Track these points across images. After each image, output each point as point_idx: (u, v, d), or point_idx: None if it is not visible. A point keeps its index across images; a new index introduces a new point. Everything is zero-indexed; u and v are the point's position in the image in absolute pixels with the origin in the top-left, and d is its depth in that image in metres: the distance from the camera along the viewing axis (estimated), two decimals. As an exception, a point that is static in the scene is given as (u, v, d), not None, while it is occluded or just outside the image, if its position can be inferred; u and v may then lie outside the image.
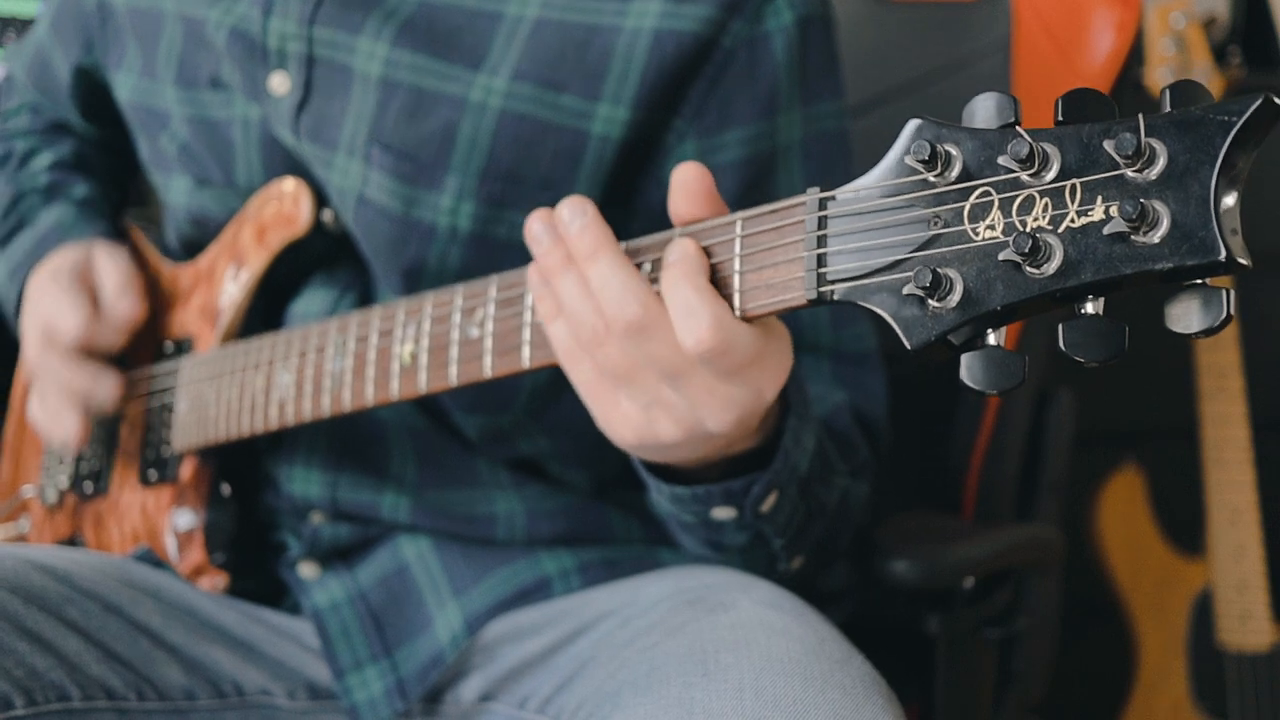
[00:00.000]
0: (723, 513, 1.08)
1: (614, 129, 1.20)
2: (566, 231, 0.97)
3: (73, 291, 1.35)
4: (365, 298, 1.28)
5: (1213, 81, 2.45)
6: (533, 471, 1.31)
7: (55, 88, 1.55)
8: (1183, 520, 2.56)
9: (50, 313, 1.34)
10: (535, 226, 0.98)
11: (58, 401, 1.35)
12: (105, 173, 1.57)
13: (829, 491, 1.17)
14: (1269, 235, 2.54)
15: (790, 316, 1.08)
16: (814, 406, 1.14)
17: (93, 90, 1.52)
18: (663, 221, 1.23)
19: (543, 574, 1.28)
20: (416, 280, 1.23)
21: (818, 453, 1.12)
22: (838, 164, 1.26)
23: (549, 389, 1.27)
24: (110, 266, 1.36)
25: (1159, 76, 2.45)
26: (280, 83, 1.28)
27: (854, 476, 1.23)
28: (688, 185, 0.96)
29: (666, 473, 1.08)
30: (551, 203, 1.20)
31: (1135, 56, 1.74)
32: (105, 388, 1.33)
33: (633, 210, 1.24)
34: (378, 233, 1.23)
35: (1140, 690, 2.56)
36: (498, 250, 1.22)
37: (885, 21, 1.85)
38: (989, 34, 1.75)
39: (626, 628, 1.17)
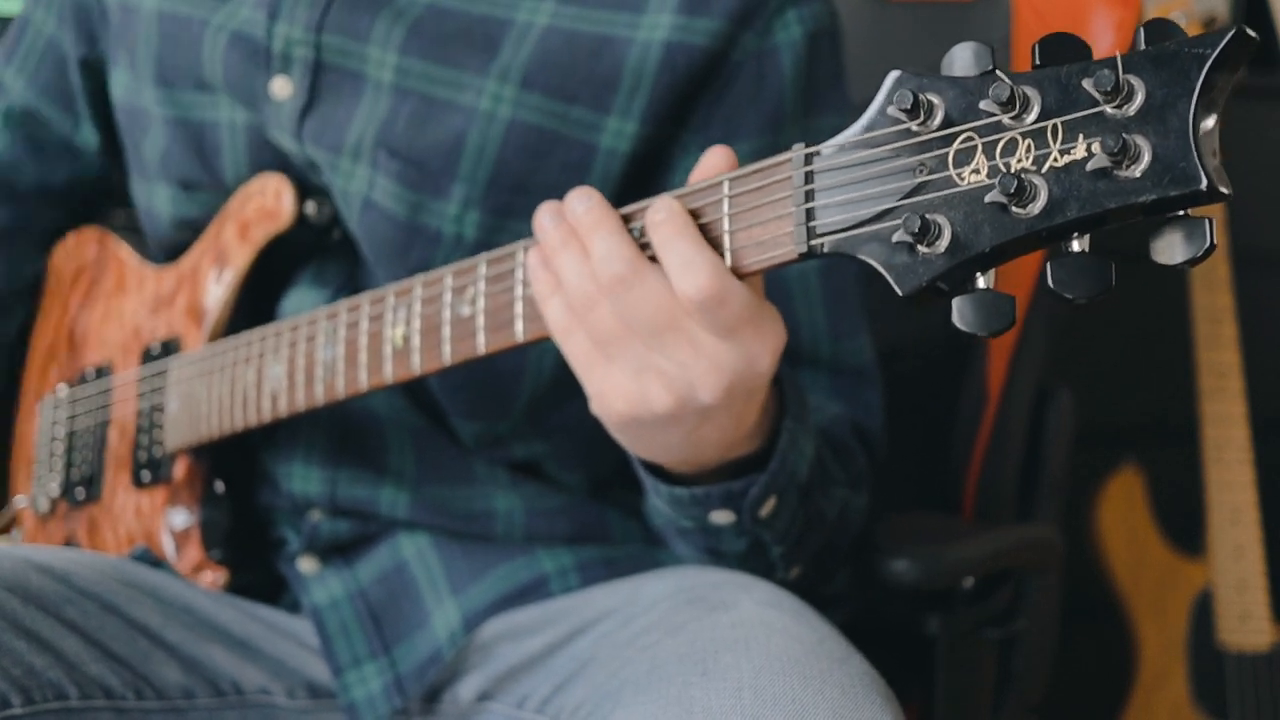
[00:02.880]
0: (721, 516, 1.08)
1: (622, 142, 1.20)
2: (573, 215, 0.98)
3: None
4: (359, 293, 1.28)
5: (1213, 82, 2.45)
6: (530, 471, 1.31)
7: (67, 85, 1.49)
8: (1183, 520, 2.55)
9: None
10: (542, 214, 1.00)
11: None
12: (23, 246, 1.53)
13: (829, 502, 1.17)
14: (1269, 235, 2.54)
15: (790, 329, 1.08)
16: (813, 416, 1.14)
17: (99, 85, 1.49)
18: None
19: (541, 572, 1.28)
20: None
21: (817, 461, 1.11)
22: None
23: (549, 397, 1.26)
24: None
25: (1159, 76, 2.44)
26: (282, 87, 1.27)
27: (853, 488, 1.23)
28: (715, 169, 0.97)
29: (666, 476, 1.08)
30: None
31: (1135, 56, 1.74)
32: None
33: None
34: (382, 237, 1.23)
35: (1140, 690, 2.56)
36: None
37: (885, 21, 1.85)
38: (989, 34, 1.75)
39: (626, 627, 1.17)
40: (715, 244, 0.94)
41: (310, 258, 1.30)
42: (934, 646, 1.49)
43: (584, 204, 0.98)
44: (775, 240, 0.90)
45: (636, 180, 1.22)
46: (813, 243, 0.88)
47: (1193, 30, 2.43)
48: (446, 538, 1.29)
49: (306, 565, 1.30)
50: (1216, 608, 2.45)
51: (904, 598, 1.50)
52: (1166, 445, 2.58)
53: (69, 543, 1.43)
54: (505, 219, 1.22)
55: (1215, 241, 0.74)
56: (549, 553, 1.29)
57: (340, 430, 1.29)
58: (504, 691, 1.25)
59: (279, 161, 1.29)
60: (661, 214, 0.95)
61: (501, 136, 1.21)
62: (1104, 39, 1.68)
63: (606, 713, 1.06)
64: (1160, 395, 2.58)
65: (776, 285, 1.20)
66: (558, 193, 1.19)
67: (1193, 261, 0.75)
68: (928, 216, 0.80)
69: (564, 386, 1.23)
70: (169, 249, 1.39)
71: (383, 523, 1.30)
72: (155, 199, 1.37)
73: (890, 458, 1.32)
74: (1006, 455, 1.71)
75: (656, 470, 1.08)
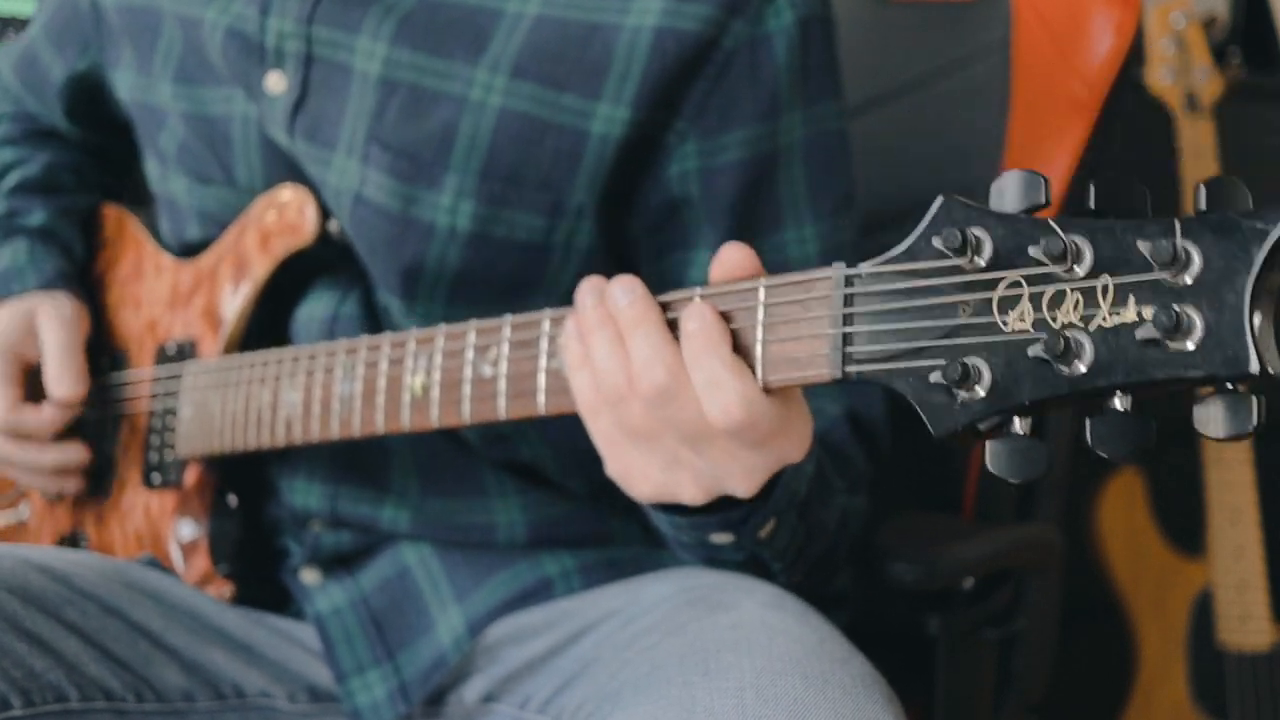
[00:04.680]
0: (721, 537, 1.08)
1: (614, 128, 1.20)
2: (614, 305, 0.97)
3: (3, 373, 1.37)
4: (367, 299, 1.28)
5: (1212, 81, 2.45)
6: (534, 478, 1.31)
7: (44, 88, 1.54)
8: (1183, 520, 2.55)
9: None
10: (584, 293, 0.98)
11: (26, 477, 1.40)
12: (79, 185, 1.55)
13: (828, 512, 1.17)
14: (1269, 235, 2.53)
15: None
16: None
17: (84, 96, 1.52)
18: (661, 221, 1.24)
19: (544, 575, 1.28)
20: (415, 280, 1.22)
21: (816, 474, 1.11)
22: (837, 165, 1.26)
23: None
24: (52, 344, 1.36)
25: (1159, 76, 2.45)
26: (276, 82, 1.27)
27: (851, 492, 1.23)
28: (729, 270, 0.95)
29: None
30: (550, 203, 1.20)
31: (1135, 56, 1.74)
32: (47, 464, 1.37)
33: (632, 209, 1.24)
34: (375, 232, 1.23)
35: (1140, 690, 2.56)
36: (496, 249, 1.22)
37: (885, 21, 1.84)
38: (989, 34, 1.75)
39: (627, 628, 1.17)
40: (746, 352, 0.92)
41: (326, 268, 1.30)
42: (934, 647, 1.49)
43: (627, 297, 0.96)
44: (810, 359, 0.89)
45: (630, 167, 1.21)
46: (848, 369, 0.86)
47: (1192, 30, 2.43)
48: (449, 545, 1.29)
49: (309, 576, 1.30)
50: (1216, 608, 2.45)
51: (904, 598, 1.50)
52: (1167, 445, 2.58)
53: (75, 532, 1.43)
54: (499, 209, 1.21)
55: (1261, 420, 0.73)
56: (551, 556, 1.29)
57: (343, 445, 1.28)
58: (507, 693, 1.24)
59: (287, 158, 1.29)
60: (694, 323, 0.93)
61: (493, 125, 1.20)
62: (1103, 39, 1.67)
63: (607, 713, 1.06)
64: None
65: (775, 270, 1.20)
66: (551, 181, 1.19)
67: (1236, 438, 0.74)
68: (967, 362, 0.79)
69: None
70: (185, 241, 1.39)
71: (384, 535, 1.30)
72: (174, 188, 1.38)
73: (890, 458, 1.32)
74: (1007, 455, 1.71)
75: None
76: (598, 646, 1.18)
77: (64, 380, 1.35)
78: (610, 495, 1.32)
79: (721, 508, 1.04)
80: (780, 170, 1.23)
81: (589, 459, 1.27)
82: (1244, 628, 2.43)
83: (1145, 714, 2.55)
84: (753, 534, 1.07)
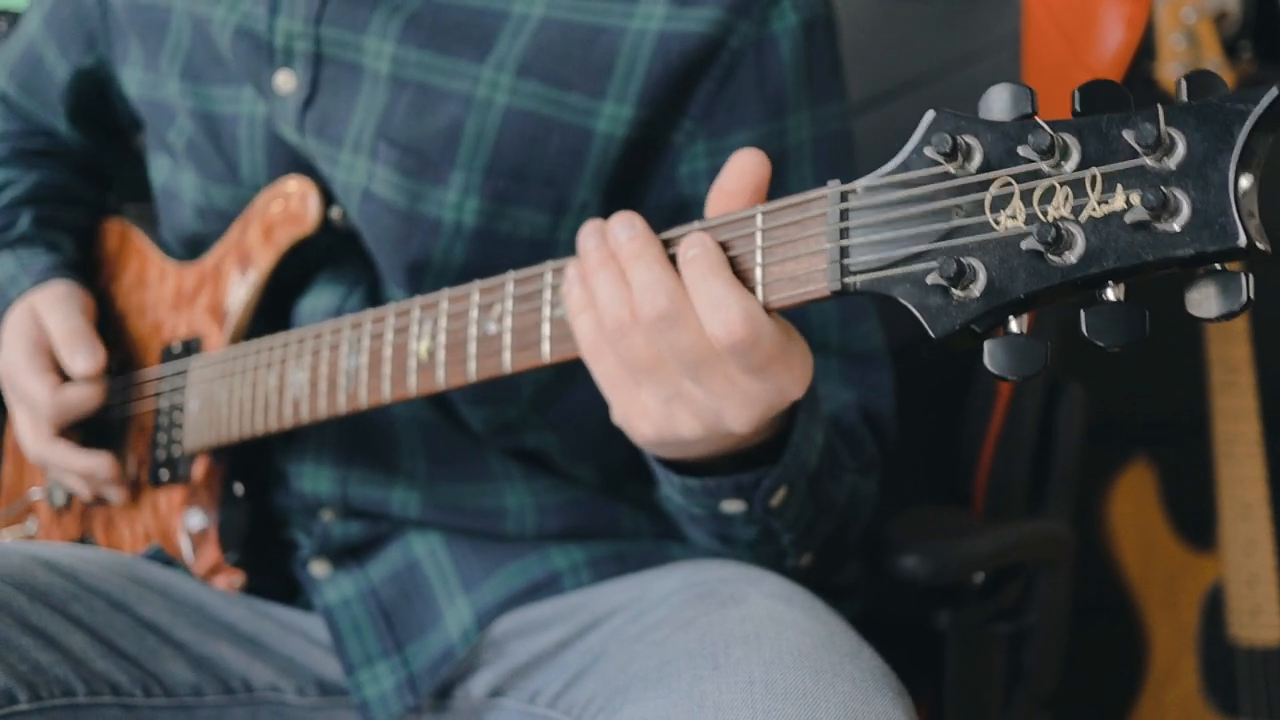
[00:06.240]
0: (732, 505, 1.08)
1: (619, 127, 1.20)
2: (615, 240, 0.98)
3: (35, 367, 1.36)
4: (373, 293, 1.28)
5: (1223, 76, 2.45)
6: (542, 465, 1.31)
7: (46, 88, 1.52)
8: (1194, 515, 2.55)
9: (26, 393, 1.36)
10: (586, 235, 1.00)
11: (73, 482, 1.40)
12: (64, 199, 1.55)
13: (838, 488, 1.17)
14: (1278, 228, 2.53)
15: (799, 315, 1.08)
16: (822, 404, 1.14)
17: (88, 94, 1.50)
18: (673, 219, 1.24)
19: (553, 569, 1.28)
20: (421, 275, 1.23)
21: (827, 449, 1.12)
22: (844, 164, 1.27)
23: (554, 384, 1.27)
24: (56, 327, 1.37)
25: (1169, 71, 2.44)
26: (285, 81, 1.28)
27: (862, 474, 1.23)
28: (745, 171, 0.97)
29: (677, 465, 1.08)
30: (555, 200, 1.21)
31: (1145, 51, 1.73)
32: (102, 470, 1.36)
33: (642, 208, 1.24)
34: (382, 227, 1.23)
35: (1151, 685, 2.55)
36: (501, 246, 1.22)
37: (895, 16, 1.84)
38: (999, 28, 1.75)
39: (636, 622, 1.17)
40: (746, 276, 0.93)
41: (329, 259, 1.30)
42: (944, 641, 1.50)
43: (627, 231, 0.98)
44: (808, 275, 0.90)
45: (636, 165, 1.22)
46: (846, 280, 0.87)
47: (1203, 24, 2.43)
48: (458, 535, 1.29)
49: (318, 569, 1.31)
50: (1228, 602, 2.45)
51: (914, 592, 1.50)
52: (1178, 440, 2.58)
53: (84, 538, 1.44)
54: (504, 205, 1.22)
55: (1252, 296, 0.74)
56: (561, 549, 1.30)
57: (351, 430, 1.29)
58: (516, 687, 1.25)
59: (292, 156, 1.30)
60: (695, 250, 0.94)
61: (499, 123, 1.21)
62: (1114, 34, 1.67)
63: (617, 707, 1.06)
64: (1171, 390, 2.58)
65: None
66: (556, 178, 1.20)
67: (1228, 315, 0.75)
68: (963, 260, 0.80)
69: (567, 375, 1.23)
70: (188, 238, 1.39)
71: (394, 522, 1.30)
72: (182, 184, 1.38)
73: (901, 452, 1.32)
74: (1017, 450, 1.71)
75: (668, 461, 1.08)
76: (606, 641, 1.18)
77: (77, 356, 1.35)
78: (619, 486, 1.33)
79: (733, 470, 1.05)
80: (790, 170, 1.24)
81: (596, 447, 1.29)
82: (1255, 622, 2.42)
83: (1156, 709, 2.55)
84: (764, 501, 1.08)
